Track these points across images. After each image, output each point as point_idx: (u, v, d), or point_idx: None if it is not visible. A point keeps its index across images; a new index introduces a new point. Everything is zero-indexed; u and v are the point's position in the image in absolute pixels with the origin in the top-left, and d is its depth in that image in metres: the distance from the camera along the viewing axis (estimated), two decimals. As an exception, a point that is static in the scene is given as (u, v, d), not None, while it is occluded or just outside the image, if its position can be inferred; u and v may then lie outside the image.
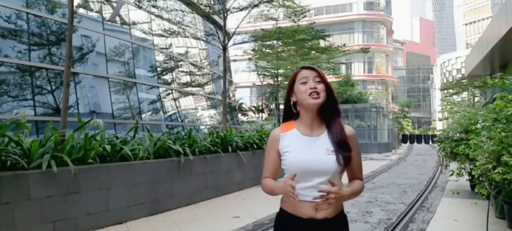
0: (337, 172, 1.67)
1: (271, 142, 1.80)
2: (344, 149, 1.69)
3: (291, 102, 1.78)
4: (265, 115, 26.91)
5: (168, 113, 14.33)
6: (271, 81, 24.87)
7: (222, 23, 12.40)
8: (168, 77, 15.15)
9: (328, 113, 1.74)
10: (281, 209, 1.77)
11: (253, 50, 22.97)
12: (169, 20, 13.34)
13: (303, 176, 1.66)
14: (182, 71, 16.14)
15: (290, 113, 1.80)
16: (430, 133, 51.73)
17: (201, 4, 12.45)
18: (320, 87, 1.70)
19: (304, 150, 1.69)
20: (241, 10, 12.00)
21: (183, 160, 6.43)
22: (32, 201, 4.19)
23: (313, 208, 1.66)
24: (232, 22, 13.97)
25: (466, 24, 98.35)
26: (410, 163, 16.91)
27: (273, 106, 25.79)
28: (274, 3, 13.68)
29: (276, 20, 16.51)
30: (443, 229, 5.33)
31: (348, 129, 1.76)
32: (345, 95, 31.22)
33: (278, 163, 1.77)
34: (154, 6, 12.35)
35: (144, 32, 13.22)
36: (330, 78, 27.60)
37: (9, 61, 8.71)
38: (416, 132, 57.10)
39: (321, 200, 1.61)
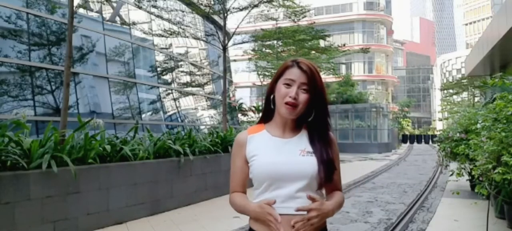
0: (314, 177, 1.40)
1: (237, 147, 1.52)
2: (329, 167, 1.44)
3: (271, 96, 1.50)
4: (265, 115, 26.80)
5: (168, 114, 14.33)
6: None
7: (222, 23, 12.40)
8: (168, 77, 15.15)
9: (314, 123, 1.48)
10: (251, 229, 1.47)
11: (253, 50, 22.97)
12: (169, 20, 13.34)
13: (274, 183, 1.40)
14: (182, 71, 16.15)
15: (270, 110, 1.53)
16: (430, 133, 51.81)
17: (201, 4, 12.44)
18: (302, 98, 1.41)
19: (273, 152, 1.44)
20: (241, 10, 12.00)
21: (183, 160, 6.43)
22: (32, 201, 4.19)
23: (288, 223, 1.34)
24: (232, 22, 14.03)
25: (466, 24, 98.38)
26: (410, 163, 16.91)
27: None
28: (274, 3, 13.68)
29: (276, 20, 16.52)
30: (443, 229, 5.33)
31: (331, 136, 1.52)
32: (345, 95, 31.24)
33: (246, 172, 1.50)
34: (154, 6, 12.35)
35: (144, 32, 13.22)
36: (330, 78, 27.68)
37: (9, 61, 8.71)
38: (416, 132, 57.17)
39: (301, 223, 1.33)
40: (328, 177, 1.43)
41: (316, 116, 1.47)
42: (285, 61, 1.51)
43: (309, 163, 1.41)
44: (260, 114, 1.60)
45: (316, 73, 1.44)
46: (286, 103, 1.41)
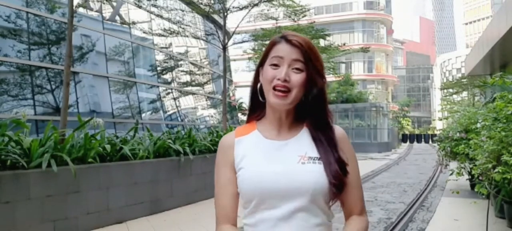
0: (321, 192, 1.06)
1: (221, 154, 1.16)
2: (339, 174, 1.07)
3: (258, 86, 1.16)
4: (265, 114, 26.86)
5: (168, 113, 14.33)
6: (271, 80, 24.82)
7: (222, 23, 12.39)
8: (168, 76, 15.15)
9: (309, 114, 1.14)
10: None
11: (253, 49, 22.96)
12: (169, 20, 13.34)
13: (265, 201, 1.06)
14: (182, 71, 16.14)
15: (258, 104, 1.18)
16: (430, 132, 51.83)
17: (201, 3, 12.43)
18: (296, 79, 1.07)
19: (263, 160, 1.09)
20: (241, 9, 11.99)
21: (183, 159, 6.43)
22: (32, 201, 4.19)
23: None
24: (232, 21, 13.97)
25: (466, 24, 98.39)
26: (410, 162, 16.91)
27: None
28: (274, 2, 13.67)
29: (276, 20, 16.48)
30: (443, 229, 5.33)
31: (337, 130, 1.16)
32: (345, 95, 31.24)
33: (236, 186, 1.12)
34: (154, 6, 12.35)
35: (144, 32, 13.22)
36: (330, 78, 27.68)
37: (9, 60, 8.71)
38: (416, 131, 57.21)
39: None
40: (339, 188, 1.07)
41: (313, 105, 1.12)
42: (272, 38, 1.16)
43: (311, 172, 1.06)
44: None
45: (312, 47, 1.12)
46: (275, 88, 1.07)
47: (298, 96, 1.09)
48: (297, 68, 1.09)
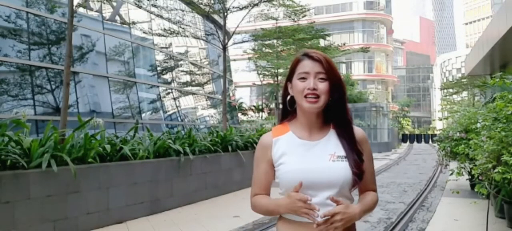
0: (347, 183, 1.35)
1: (261, 150, 1.45)
2: (361, 170, 1.37)
3: (288, 97, 1.44)
4: (265, 114, 26.93)
5: (168, 113, 14.34)
6: (271, 80, 24.91)
7: (222, 23, 12.40)
8: (168, 76, 15.15)
9: (334, 115, 1.41)
10: None
11: (253, 49, 22.97)
12: (169, 20, 13.35)
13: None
14: (182, 71, 16.15)
15: (288, 111, 1.48)
16: (430, 132, 51.82)
17: (201, 3, 12.44)
18: (322, 87, 1.34)
19: (301, 157, 1.37)
20: (241, 9, 12.00)
21: (183, 159, 6.43)
22: (32, 201, 4.19)
23: None
24: (232, 21, 13.98)
25: (466, 24, 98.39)
26: (410, 162, 16.91)
27: (273, 105, 25.83)
28: (274, 2, 13.68)
29: (276, 20, 16.49)
30: (443, 229, 5.33)
31: (358, 131, 1.44)
32: (345, 95, 31.24)
33: (271, 176, 1.44)
34: (154, 6, 12.35)
35: (144, 32, 13.23)
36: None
37: (9, 60, 8.71)
38: (416, 131, 57.21)
39: (324, 227, 1.28)
40: (359, 177, 1.37)
41: (337, 106, 1.39)
42: (295, 57, 1.43)
43: (340, 169, 1.34)
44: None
45: (330, 60, 1.38)
46: (306, 96, 1.34)
47: (325, 101, 1.36)
48: (321, 78, 1.35)
